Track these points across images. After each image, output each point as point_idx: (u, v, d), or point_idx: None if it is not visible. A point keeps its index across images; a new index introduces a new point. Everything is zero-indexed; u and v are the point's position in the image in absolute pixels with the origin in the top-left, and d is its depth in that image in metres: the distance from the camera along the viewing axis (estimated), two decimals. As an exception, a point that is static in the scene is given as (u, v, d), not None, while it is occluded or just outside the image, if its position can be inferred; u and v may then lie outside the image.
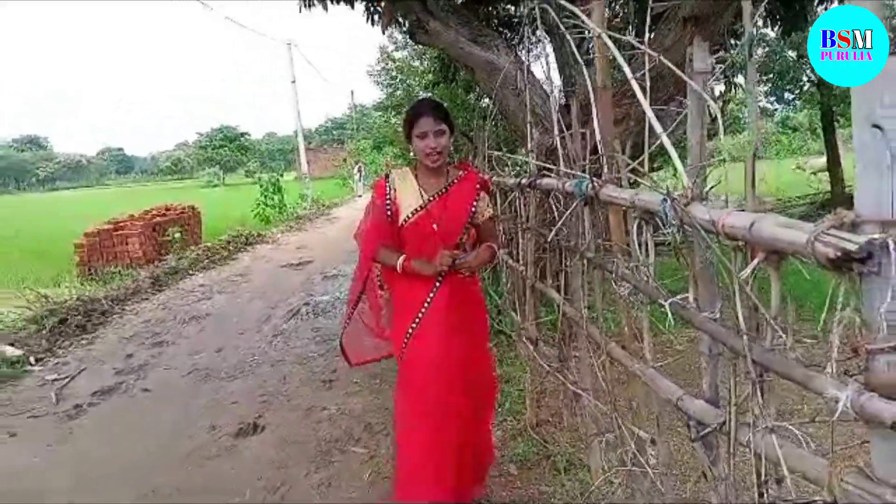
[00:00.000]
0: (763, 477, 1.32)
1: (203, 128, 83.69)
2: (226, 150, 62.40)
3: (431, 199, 2.69)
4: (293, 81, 26.06)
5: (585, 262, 2.51)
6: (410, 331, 2.68)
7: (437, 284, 2.68)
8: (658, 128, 1.64)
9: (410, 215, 2.68)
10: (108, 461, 3.87)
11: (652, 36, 5.47)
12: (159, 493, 3.44)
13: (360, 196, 27.55)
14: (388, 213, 2.70)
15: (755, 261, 1.20)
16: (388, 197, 2.72)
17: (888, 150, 0.96)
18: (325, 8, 7.38)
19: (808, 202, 14.75)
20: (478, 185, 2.78)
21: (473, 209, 2.74)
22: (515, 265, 4.17)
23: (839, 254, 0.95)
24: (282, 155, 72.88)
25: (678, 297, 1.62)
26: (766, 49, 14.73)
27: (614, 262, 2.11)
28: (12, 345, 6.20)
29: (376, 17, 7.77)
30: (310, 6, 7.37)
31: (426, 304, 2.68)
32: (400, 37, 15.68)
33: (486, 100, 8.09)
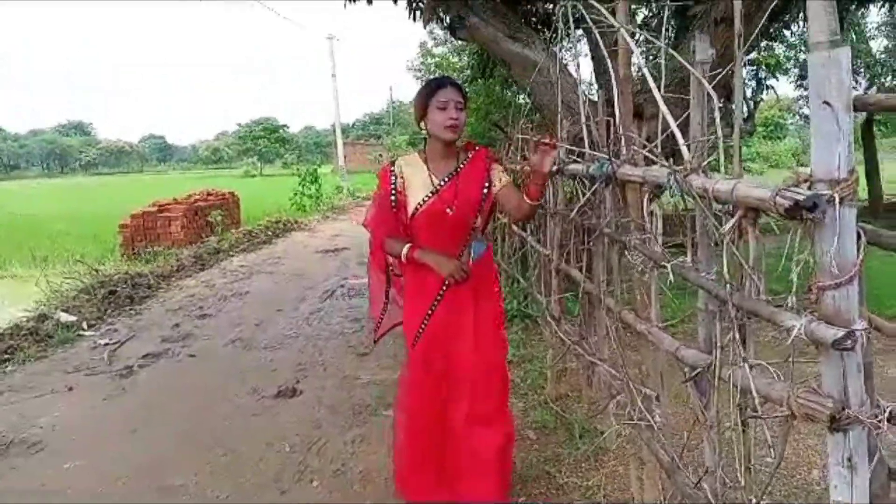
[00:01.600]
0: (738, 402, 1.56)
1: (243, 119, 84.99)
2: (264, 142, 63.41)
3: (442, 183, 2.58)
4: (333, 75, 26.54)
5: (605, 238, 2.75)
6: (425, 322, 2.63)
7: None
8: (669, 117, 1.89)
9: (423, 202, 2.57)
10: (159, 413, 4.22)
11: (685, 38, 5.67)
12: (205, 442, 3.76)
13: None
14: (393, 201, 2.63)
15: (735, 217, 1.45)
16: (393, 185, 2.63)
17: (836, 122, 1.19)
18: (370, 1, 7.68)
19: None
20: (487, 159, 2.66)
21: (487, 185, 2.62)
22: (542, 249, 4.40)
23: (792, 204, 1.19)
24: (318, 148, 73.69)
25: (680, 259, 1.87)
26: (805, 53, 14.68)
27: (630, 235, 2.35)
28: (66, 311, 6.63)
29: (418, 12, 8.05)
30: (354, 0, 7.68)
31: (441, 293, 2.61)
32: (440, 32, 15.95)
33: (521, 95, 8.31)
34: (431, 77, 2.83)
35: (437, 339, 2.64)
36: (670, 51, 1.82)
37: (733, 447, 1.71)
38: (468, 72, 12.87)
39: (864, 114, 14.93)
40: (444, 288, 2.60)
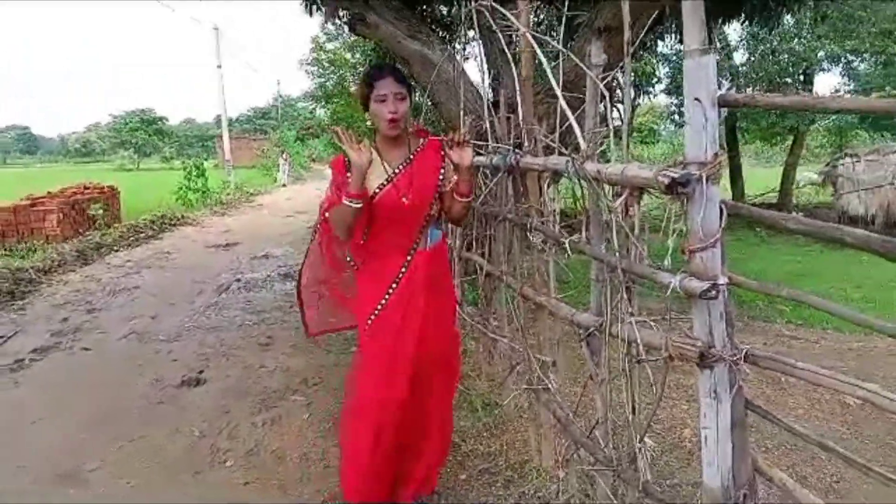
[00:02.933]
0: (627, 352, 1.85)
1: (116, 110, 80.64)
2: (141, 134, 60.45)
3: (396, 171, 2.52)
4: (219, 66, 25.74)
5: (507, 223, 3.02)
6: (380, 306, 2.56)
7: (410, 258, 2.57)
8: (568, 112, 2.16)
9: (378, 191, 2.50)
10: (59, 405, 4.12)
11: (571, 43, 6.10)
12: (110, 430, 3.74)
13: (284, 185, 27.47)
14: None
15: (624, 195, 1.73)
16: (348, 173, 2.49)
17: (704, 115, 1.49)
18: (266, -5, 7.69)
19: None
20: (442, 152, 2.58)
21: (441, 176, 2.58)
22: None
23: (669, 181, 1.48)
24: (200, 142, 70.96)
25: (574, 236, 2.15)
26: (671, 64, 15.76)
27: (530, 218, 2.63)
28: (-60, 307, 6.23)
29: (314, 7, 8.13)
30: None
31: (398, 277, 2.56)
32: (332, 28, 15.96)
33: (418, 93, 8.56)
34: (368, 69, 2.72)
35: (390, 330, 2.56)
36: (569, 54, 2.09)
37: (622, 397, 2.01)
38: (363, 68, 12.99)
39: (728, 121, 16.34)
40: (404, 269, 2.56)
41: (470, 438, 3.42)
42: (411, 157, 2.57)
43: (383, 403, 2.55)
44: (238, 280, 7.98)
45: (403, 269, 2.55)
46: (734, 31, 15.01)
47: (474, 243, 4.16)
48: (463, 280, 4.14)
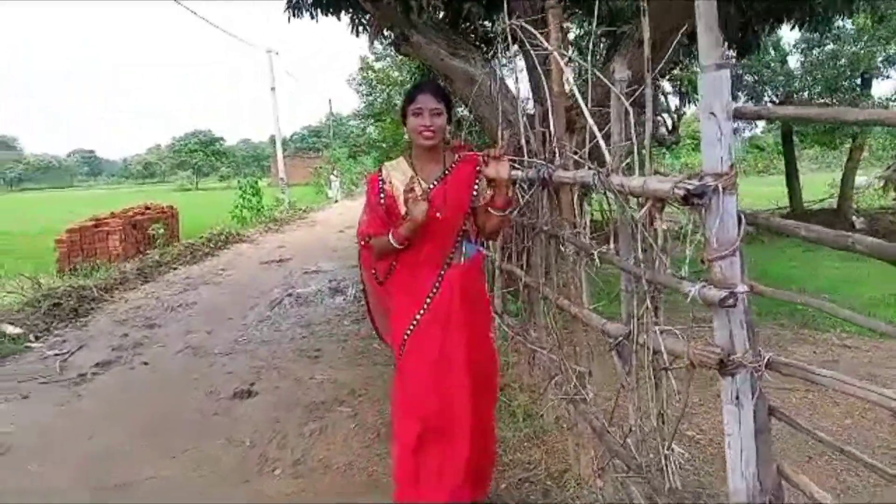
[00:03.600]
0: (653, 361, 1.88)
1: (177, 132, 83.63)
2: (200, 155, 62.56)
3: (431, 186, 2.55)
4: (273, 88, 26.47)
5: (543, 235, 3.08)
6: (413, 325, 2.59)
7: (443, 272, 2.59)
8: (594, 128, 2.22)
9: None
10: (118, 416, 4.33)
11: (614, 55, 6.11)
12: (166, 441, 3.91)
13: (336, 202, 28.01)
14: (382, 205, 2.61)
15: (647, 205, 1.77)
16: (381, 191, 2.61)
17: (719, 128, 1.53)
18: (314, 17, 7.93)
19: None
20: (478, 168, 2.60)
21: (475, 192, 2.61)
22: (487, 252, 4.72)
23: (685, 192, 1.52)
24: (255, 162, 72.89)
25: (603, 247, 2.20)
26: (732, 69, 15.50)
27: (563, 230, 2.68)
28: (12, 324, 6.59)
29: (360, 28, 8.34)
30: (298, 16, 7.92)
31: (431, 294, 2.58)
32: (380, 47, 16.26)
33: (462, 108, 8.67)
34: (412, 85, 2.88)
35: (427, 347, 2.58)
36: (595, 71, 2.15)
37: (651, 406, 2.04)
38: (409, 86, 13.21)
39: (783, 126, 15.98)
40: (437, 285, 2.58)
41: (510, 448, 3.46)
42: (446, 171, 2.60)
43: (422, 423, 2.57)
44: (290, 295, 8.20)
45: (437, 284, 2.58)
46: (790, 35, 14.74)
47: (514, 255, 4.22)
48: (504, 291, 4.19)
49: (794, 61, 15.40)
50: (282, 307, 7.60)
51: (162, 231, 12.73)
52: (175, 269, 10.78)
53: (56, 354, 5.85)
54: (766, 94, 15.95)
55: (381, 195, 2.62)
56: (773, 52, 14.54)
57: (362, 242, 2.73)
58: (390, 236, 2.52)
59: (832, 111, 1.62)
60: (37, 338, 6.42)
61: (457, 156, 2.66)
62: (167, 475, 3.49)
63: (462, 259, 2.63)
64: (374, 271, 2.79)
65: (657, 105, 6.32)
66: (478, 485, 2.80)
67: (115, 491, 3.34)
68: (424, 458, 2.61)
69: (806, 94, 14.68)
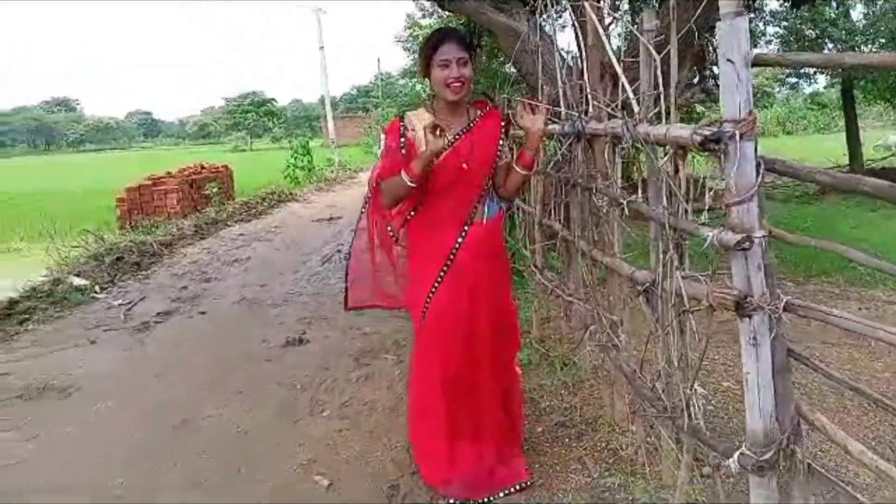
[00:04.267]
0: (676, 305, 1.95)
1: (229, 93, 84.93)
2: (252, 116, 63.44)
3: (457, 136, 2.47)
4: (321, 48, 26.60)
5: (579, 188, 3.13)
6: (436, 285, 2.54)
7: (466, 229, 2.53)
8: (623, 78, 2.26)
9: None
10: (178, 361, 4.61)
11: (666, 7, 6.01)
12: (223, 383, 4.15)
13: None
14: (403, 152, 2.49)
15: (670, 153, 1.83)
16: (403, 138, 2.50)
17: (737, 75, 1.57)
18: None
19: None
20: (502, 124, 2.58)
21: (501, 144, 2.55)
22: (527, 207, 4.78)
23: (702, 138, 1.58)
24: (307, 122, 73.51)
25: (633, 197, 2.26)
26: (787, 24, 14.92)
27: (595, 181, 2.74)
28: (78, 275, 6.98)
29: (407, -16, 8.33)
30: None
31: (454, 251, 2.52)
32: (428, 4, 16.13)
33: (507, 65, 8.63)
34: (430, 33, 2.68)
35: (449, 312, 2.55)
36: (621, 19, 2.18)
37: (675, 349, 2.11)
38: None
39: (843, 83, 15.35)
40: (459, 241, 2.52)
41: (548, 395, 3.58)
42: (471, 124, 2.52)
43: (445, 387, 2.59)
44: (339, 251, 8.40)
45: (459, 242, 2.52)
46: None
47: (553, 210, 4.27)
48: (544, 245, 4.27)
49: (856, 15, 14.72)
50: (331, 262, 7.81)
51: (217, 190, 13.12)
52: (230, 226, 11.13)
53: (120, 304, 6.19)
54: (825, 49, 15.31)
55: (402, 140, 2.50)
56: (834, 5, 13.90)
57: (374, 186, 2.60)
58: (403, 173, 2.39)
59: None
60: (102, 289, 6.79)
61: (479, 111, 2.60)
62: (224, 415, 3.72)
63: (484, 218, 2.58)
64: (389, 228, 2.70)
65: (707, 57, 6.20)
66: (512, 437, 2.83)
67: (177, 429, 3.59)
68: (456, 426, 2.63)
69: (869, 48, 14.04)
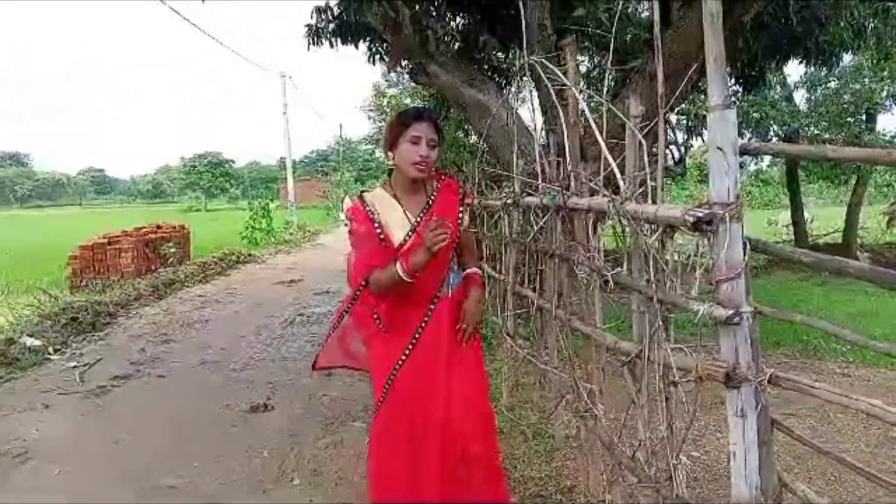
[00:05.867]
0: (663, 375, 2.02)
1: (186, 152, 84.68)
2: (209, 176, 63.18)
3: (418, 220, 2.46)
4: (284, 112, 26.91)
5: (556, 259, 3.23)
6: (401, 361, 2.49)
7: (433, 306, 2.52)
8: (610, 158, 2.38)
9: (405, 241, 2.44)
10: (139, 426, 4.47)
11: (623, 90, 6.33)
12: (187, 449, 4.04)
13: (346, 224, 28.24)
14: (381, 238, 2.45)
15: (658, 231, 1.93)
16: (377, 223, 2.44)
17: (726, 162, 1.69)
18: (333, 45, 8.19)
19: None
20: (461, 195, 2.61)
21: (459, 221, 2.56)
22: (498, 276, 4.87)
23: (695, 220, 1.68)
24: (264, 184, 73.48)
25: (616, 270, 2.35)
26: (738, 105, 15.72)
27: (577, 254, 2.84)
28: (31, 336, 6.75)
29: (377, 57, 8.60)
30: (318, 44, 8.18)
31: (420, 328, 2.50)
32: (393, 76, 16.61)
33: (475, 137, 8.89)
34: (405, 109, 2.76)
35: (419, 373, 2.48)
36: (610, 106, 2.32)
37: (661, 419, 2.17)
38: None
39: (787, 162, 16.16)
40: (423, 324, 2.50)
41: (522, 465, 3.58)
42: (430, 201, 2.51)
43: (418, 468, 2.47)
44: (301, 315, 8.35)
45: (426, 319, 2.50)
46: (795, 71, 15.02)
47: (527, 279, 4.36)
48: (516, 313, 4.34)
49: (799, 98, 15.65)
50: (294, 326, 7.74)
51: (174, 250, 12.93)
52: (188, 287, 10.96)
53: (75, 366, 5.99)
54: (771, 129, 16.16)
55: (378, 225, 2.44)
56: (779, 89, 14.77)
57: (361, 286, 2.50)
58: (399, 269, 2.34)
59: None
60: (55, 350, 6.57)
61: (436, 182, 2.57)
62: (190, 483, 3.61)
63: (449, 291, 2.59)
64: (376, 316, 2.58)
65: (666, 137, 6.49)
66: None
67: (145, 494, 3.47)
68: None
69: (812, 130, 14.90)
